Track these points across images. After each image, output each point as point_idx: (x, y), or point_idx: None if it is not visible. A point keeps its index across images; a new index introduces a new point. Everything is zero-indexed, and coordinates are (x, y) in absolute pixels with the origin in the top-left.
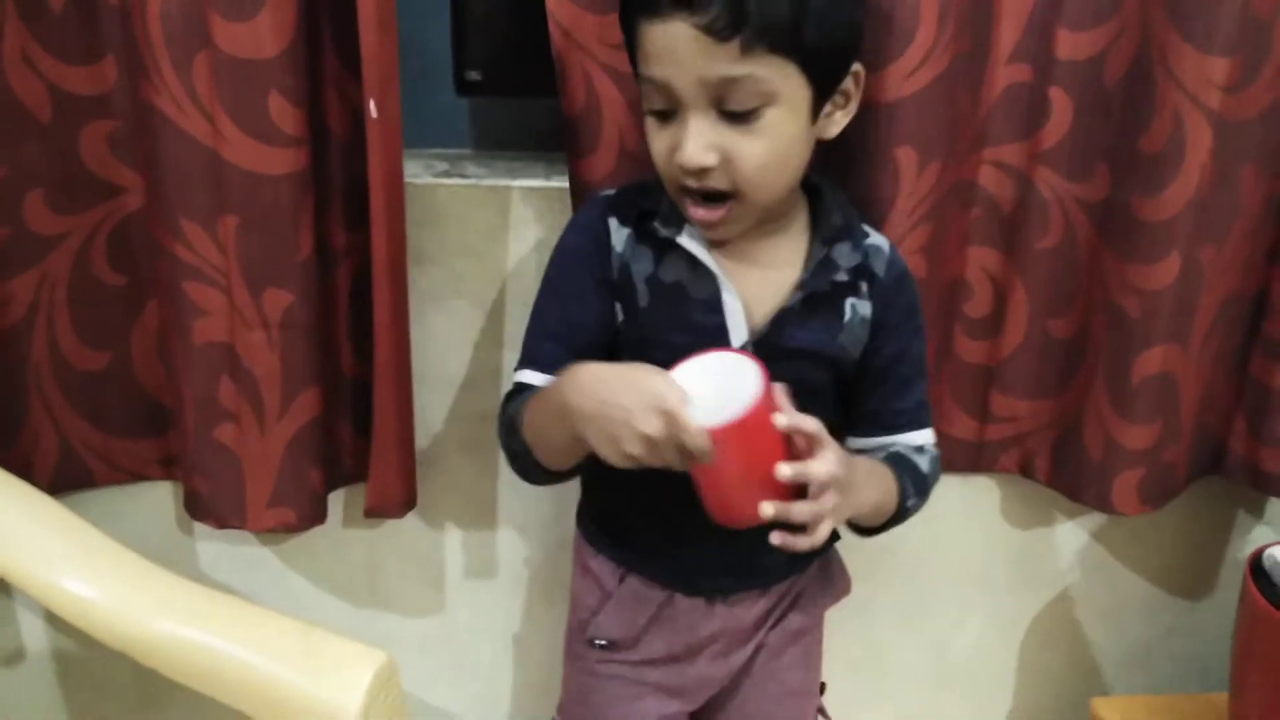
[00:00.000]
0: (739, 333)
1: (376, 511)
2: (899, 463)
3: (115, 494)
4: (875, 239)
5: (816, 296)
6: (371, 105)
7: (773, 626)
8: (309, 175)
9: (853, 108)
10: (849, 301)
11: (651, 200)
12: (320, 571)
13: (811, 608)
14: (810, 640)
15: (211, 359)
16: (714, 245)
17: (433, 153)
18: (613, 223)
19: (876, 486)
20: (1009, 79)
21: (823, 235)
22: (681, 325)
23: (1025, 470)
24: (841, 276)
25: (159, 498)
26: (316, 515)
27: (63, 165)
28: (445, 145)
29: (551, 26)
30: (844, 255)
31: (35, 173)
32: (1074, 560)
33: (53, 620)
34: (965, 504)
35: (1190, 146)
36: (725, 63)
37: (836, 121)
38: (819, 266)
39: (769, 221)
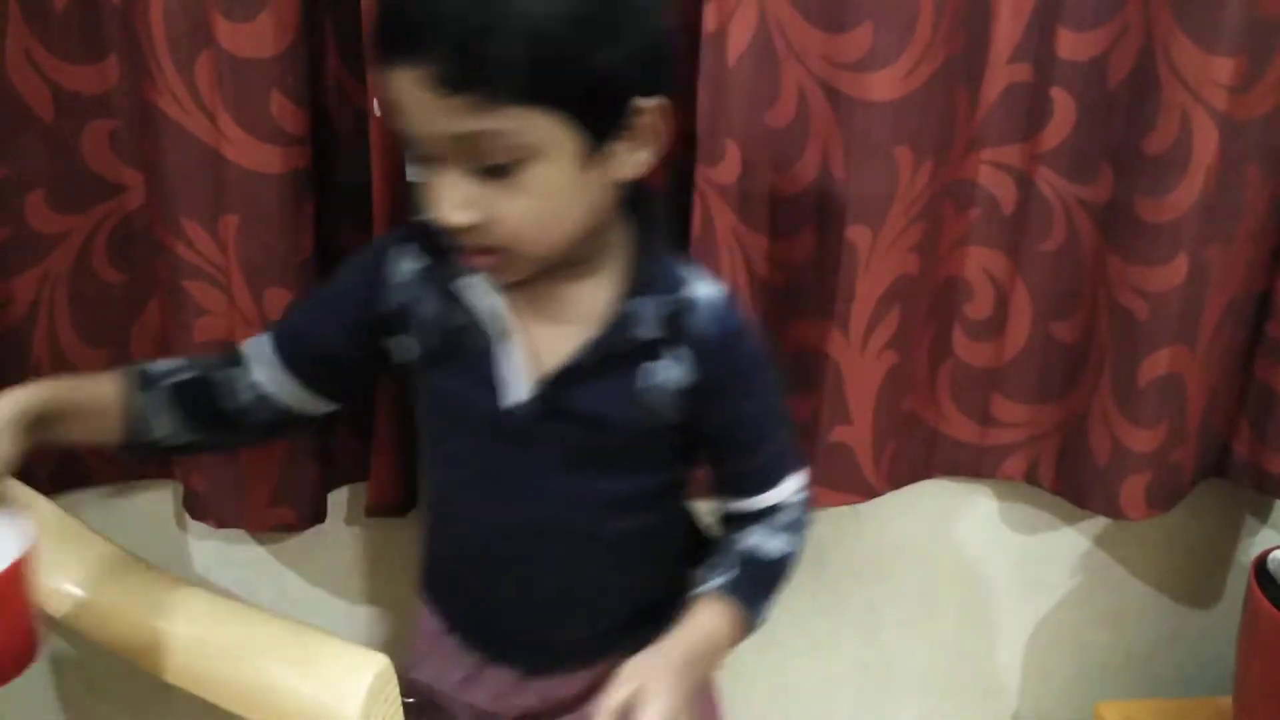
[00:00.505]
0: (517, 389)
1: (377, 511)
2: (740, 578)
3: (113, 493)
4: (702, 289)
5: (613, 356)
6: (375, 103)
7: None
8: (311, 174)
9: (654, 143)
10: (651, 364)
11: (445, 238)
12: (318, 573)
13: None
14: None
15: None
16: (510, 290)
17: None
18: (401, 255)
19: (714, 649)
20: (1009, 79)
21: (630, 287)
22: (460, 373)
23: (1030, 477)
24: (648, 333)
25: (157, 497)
26: (316, 515)
27: (64, 164)
28: None
29: None
30: (648, 309)
31: (37, 172)
32: (1078, 564)
33: (50, 622)
34: (969, 507)
35: (1197, 147)
36: (463, 117)
37: (633, 161)
38: (616, 323)
39: (569, 267)
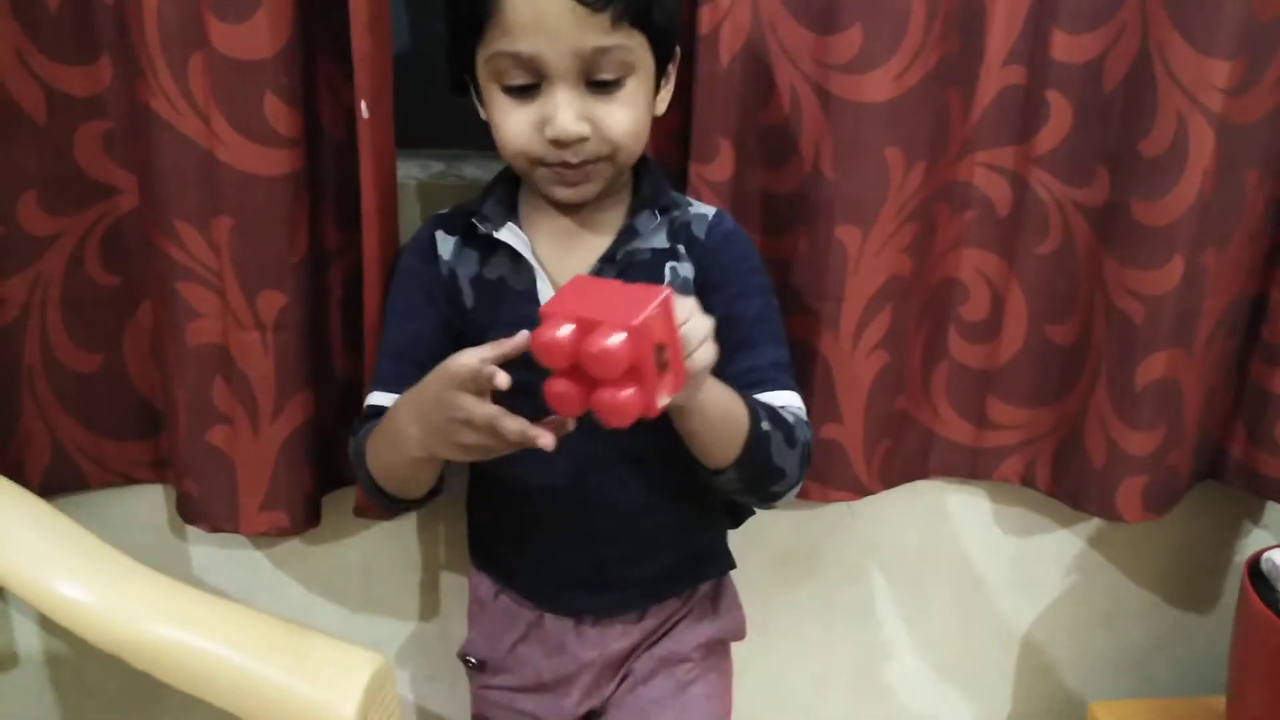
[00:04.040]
0: None
1: (365, 512)
2: (751, 399)
3: (107, 496)
4: (700, 208)
5: (633, 267)
6: (362, 105)
7: (641, 654)
8: (304, 176)
9: (670, 89)
10: (669, 265)
11: (475, 202)
12: (314, 575)
13: (687, 638)
14: (686, 674)
15: (205, 360)
16: (535, 231)
17: (429, 153)
18: (439, 234)
19: (723, 391)
20: (1004, 81)
21: (634, 205)
22: (502, 320)
23: (1026, 479)
24: (659, 243)
25: (151, 500)
26: (310, 519)
27: (57, 166)
28: (442, 145)
29: None
30: (646, 220)
31: (29, 173)
32: (1072, 564)
33: (45, 623)
34: (963, 507)
35: (1193, 150)
36: (598, 33)
37: (663, 99)
38: (620, 236)
39: (599, 200)
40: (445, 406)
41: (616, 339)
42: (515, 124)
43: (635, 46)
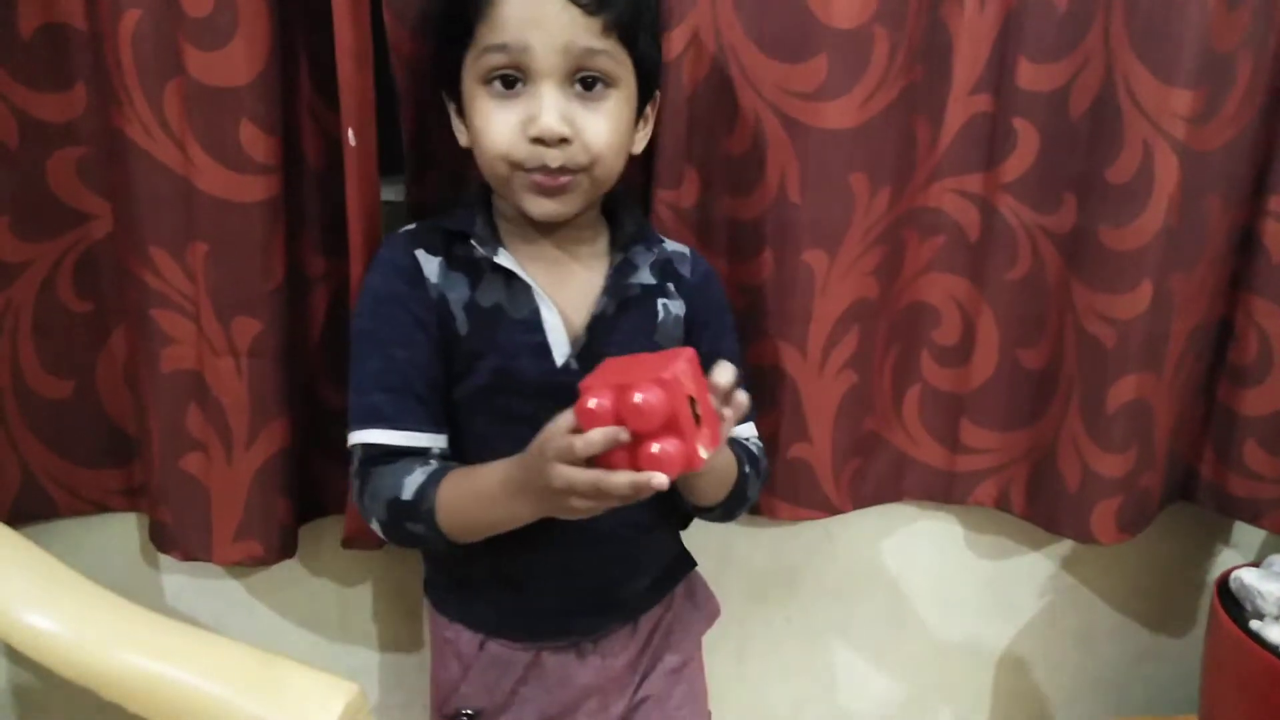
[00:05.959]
0: (560, 347)
1: (353, 542)
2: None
3: (78, 525)
4: (674, 245)
5: (629, 301)
6: (350, 133)
7: (649, 671)
8: (281, 203)
9: (649, 131)
10: (660, 301)
11: (462, 223)
12: (289, 604)
13: (684, 640)
14: (691, 672)
15: (179, 387)
16: (527, 261)
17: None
18: (421, 254)
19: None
20: (971, 109)
21: (619, 243)
22: (499, 347)
23: (1001, 504)
24: (647, 279)
25: (123, 529)
26: (285, 548)
27: (30, 192)
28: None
29: (394, 61)
30: (640, 255)
31: (1, 199)
32: (1046, 586)
33: (12, 655)
34: (938, 530)
35: (1159, 177)
36: (589, 34)
37: (640, 138)
38: (619, 269)
39: (576, 229)
40: (546, 478)
41: (652, 391)
42: (498, 125)
43: (621, 61)
